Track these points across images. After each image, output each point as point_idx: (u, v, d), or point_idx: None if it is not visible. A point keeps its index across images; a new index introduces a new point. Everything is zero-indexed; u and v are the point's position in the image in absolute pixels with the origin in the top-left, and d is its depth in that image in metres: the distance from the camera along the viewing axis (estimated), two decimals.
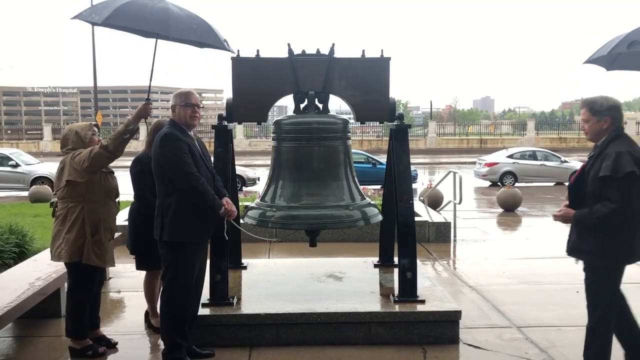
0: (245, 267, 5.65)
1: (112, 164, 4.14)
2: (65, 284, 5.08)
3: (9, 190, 16.87)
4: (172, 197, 3.77)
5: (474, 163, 20.76)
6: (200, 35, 4.25)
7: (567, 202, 3.73)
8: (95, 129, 4.22)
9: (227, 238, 4.15)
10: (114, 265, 4.33)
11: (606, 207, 3.41)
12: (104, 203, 4.11)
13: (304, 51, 4.79)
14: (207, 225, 3.94)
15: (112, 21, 4.01)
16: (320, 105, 4.85)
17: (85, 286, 4.14)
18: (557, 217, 3.76)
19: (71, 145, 4.09)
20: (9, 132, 51.61)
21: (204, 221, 3.88)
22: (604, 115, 3.59)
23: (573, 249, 3.72)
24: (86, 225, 4.00)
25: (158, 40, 4.25)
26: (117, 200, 4.28)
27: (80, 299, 4.13)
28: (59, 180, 4.07)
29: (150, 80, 4.23)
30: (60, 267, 4.94)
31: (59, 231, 4.04)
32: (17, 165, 17.11)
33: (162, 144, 3.75)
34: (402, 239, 4.62)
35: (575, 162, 17.66)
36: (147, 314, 4.77)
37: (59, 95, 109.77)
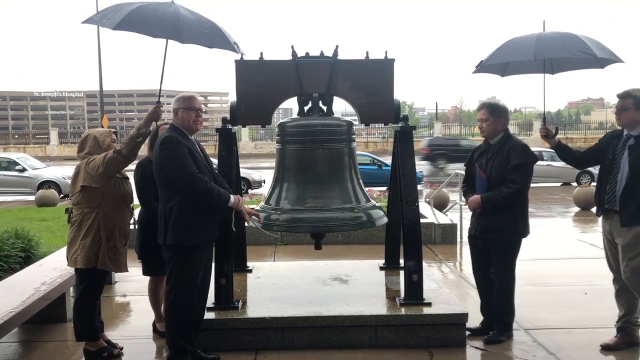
0: (250, 271, 5.63)
1: (126, 169, 4.14)
2: (71, 289, 5.09)
3: (15, 195, 16.94)
4: (175, 201, 3.76)
5: None
6: (211, 40, 4.24)
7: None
8: (114, 137, 4.24)
9: (234, 230, 4.12)
10: (127, 271, 4.32)
11: (510, 187, 4.24)
12: (119, 209, 4.12)
13: (307, 53, 4.77)
14: (211, 227, 3.92)
15: (123, 27, 4.00)
16: (325, 108, 4.83)
17: (96, 290, 4.18)
18: (470, 205, 4.47)
19: (88, 149, 4.10)
20: (16, 136, 51.88)
21: (207, 224, 3.86)
22: (501, 116, 4.38)
23: (484, 230, 4.41)
24: (101, 230, 4.01)
25: (167, 41, 4.23)
26: (131, 205, 4.29)
27: (91, 301, 4.15)
28: (74, 185, 4.08)
29: (161, 82, 4.22)
30: (65, 272, 4.94)
31: (75, 237, 4.05)
32: (24, 170, 17.20)
33: (162, 147, 3.75)
34: (408, 241, 4.59)
35: None
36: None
37: (66, 100, 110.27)
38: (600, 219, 4.42)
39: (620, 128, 4.27)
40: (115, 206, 4.08)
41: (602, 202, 4.25)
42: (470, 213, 4.66)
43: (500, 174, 4.28)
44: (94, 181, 3.97)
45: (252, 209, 4.40)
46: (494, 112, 4.38)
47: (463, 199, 9.14)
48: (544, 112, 4.92)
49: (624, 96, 4.15)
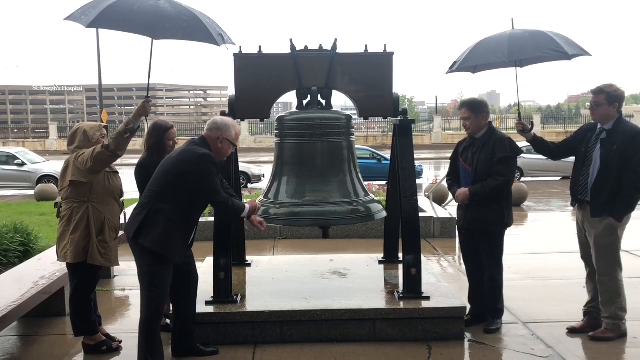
0: (249, 265, 5.63)
1: (116, 163, 4.13)
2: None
3: (15, 189, 16.93)
4: (167, 205, 3.61)
5: None
6: (190, 33, 4.18)
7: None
8: (105, 131, 4.21)
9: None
10: (119, 264, 4.33)
11: (497, 179, 4.37)
12: (108, 203, 4.11)
13: (306, 47, 4.76)
14: (184, 244, 3.83)
15: (98, 24, 3.99)
16: (324, 101, 4.82)
17: (90, 285, 4.16)
18: (458, 197, 4.57)
19: (77, 143, 4.09)
20: (15, 131, 51.81)
21: (184, 240, 3.78)
22: (481, 111, 4.52)
23: (472, 221, 4.52)
24: (91, 225, 3.99)
25: (152, 40, 4.21)
26: (121, 200, 4.28)
27: (86, 296, 4.14)
28: (63, 180, 4.07)
29: (149, 78, 4.21)
30: (64, 266, 4.93)
31: (64, 232, 4.04)
32: (23, 164, 17.17)
33: (204, 161, 3.63)
34: (407, 235, 4.59)
35: None
36: None
37: (65, 94, 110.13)
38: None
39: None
40: (104, 200, 4.07)
41: (576, 193, 4.43)
42: (456, 206, 4.73)
43: (487, 167, 4.42)
44: (82, 176, 3.96)
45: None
46: (475, 109, 4.52)
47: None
48: (519, 107, 5.07)
49: (597, 92, 4.30)
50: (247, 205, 3.83)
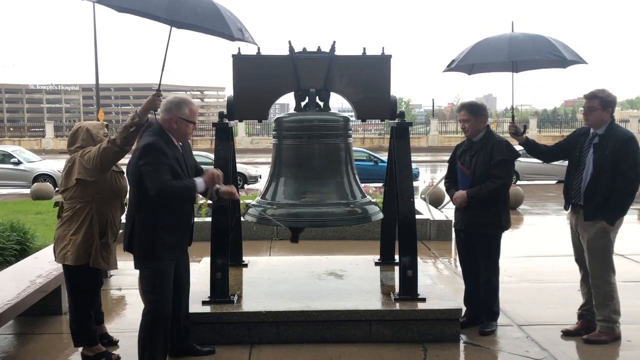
0: (246, 265, 5.65)
1: (120, 162, 4.04)
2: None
3: (11, 188, 16.88)
4: (141, 207, 3.61)
5: None
6: (203, 19, 4.04)
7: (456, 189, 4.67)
8: (106, 130, 4.10)
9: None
10: (117, 268, 4.22)
11: (495, 182, 4.42)
12: (112, 204, 3.99)
13: (304, 49, 4.77)
14: (176, 241, 3.74)
15: (112, 1, 3.94)
16: (322, 103, 4.84)
17: (90, 289, 4.03)
18: (456, 200, 4.60)
19: (80, 142, 3.92)
20: (11, 129, 51.71)
21: (174, 239, 3.71)
22: (481, 115, 4.56)
23: (470, 224, 4.56)
24: (94, 226, 3.85)
25: (171, 28, 4.12)
26: (124, 201, 4.15)
27: (86, 303, 4.01)
28: (68, 179, 3.87)
29: (162, 70, 4.09)
30: (60, 265, 4.93)
31: (65, 232, 3.88)
32: (19, 163, 17.13)
33: (141, 154, 3.54)
34: (403, 237, 4.61)
35: None
36: None
37: (61, 93, 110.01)
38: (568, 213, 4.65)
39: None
40: (109, 201, 3.94)
41: (570, 197, 4.48)
42: (452, 209, 4.77)
43: (485, 169, 4.46)
44: (89, 174, 3.79)
45: (247, 203, 4.38)
46: (474, 112, 4.55)
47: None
48: (512, 110, 5.14)
49: (590, 97, 4.34)
50: (196, 180, 3.64)
